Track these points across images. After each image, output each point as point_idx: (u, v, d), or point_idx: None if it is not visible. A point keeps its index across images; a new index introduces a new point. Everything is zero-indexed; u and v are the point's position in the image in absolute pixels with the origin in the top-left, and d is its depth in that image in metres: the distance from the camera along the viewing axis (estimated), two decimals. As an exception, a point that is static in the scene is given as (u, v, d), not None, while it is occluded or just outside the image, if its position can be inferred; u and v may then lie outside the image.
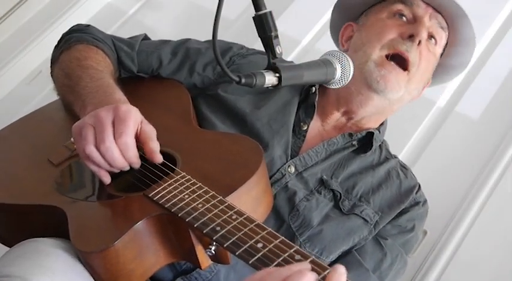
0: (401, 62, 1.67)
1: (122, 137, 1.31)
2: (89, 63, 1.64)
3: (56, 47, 1.80)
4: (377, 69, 1.66)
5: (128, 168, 1.36)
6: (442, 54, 1.81)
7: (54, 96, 1.75)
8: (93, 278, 1.26)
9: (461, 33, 1.77)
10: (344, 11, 1.90)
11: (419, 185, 1.77)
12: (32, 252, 1.27)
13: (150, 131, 1.37)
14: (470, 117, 2.25)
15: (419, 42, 1.67)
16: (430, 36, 1.72)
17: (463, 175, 2.11)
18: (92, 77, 1.57)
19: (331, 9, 1.91)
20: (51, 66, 1.78)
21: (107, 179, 1.37)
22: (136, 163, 1.36)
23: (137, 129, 1.35)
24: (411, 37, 1.67)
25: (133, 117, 1.34)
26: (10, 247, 1.36)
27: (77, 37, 1.74)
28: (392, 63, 1.66)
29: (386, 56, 1.67)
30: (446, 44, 1.79)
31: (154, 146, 1.36)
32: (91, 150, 1.31)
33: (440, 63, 1.82)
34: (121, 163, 1.33)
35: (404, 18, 1.73)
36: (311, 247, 1.56)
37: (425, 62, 1.71)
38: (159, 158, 1.37)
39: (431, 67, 1.76)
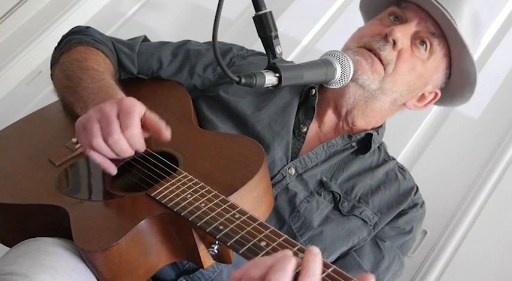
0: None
1: (129, 129, 1.31)
2: (90, 64, 1.64)
3: (55, 48, 1.80)
4: (353, 54, 1.64)
5: (133, 154, 1.36)
6: (451, 69, 1.76)
7: (54, 97, 1.75)
8: (96, 277, 1.27)
9: (456, 45, 1.70)
10: (367, 13, 1.89)
11: (417, 187, 1.77)
12: (33, 251, 1.27)
13: (155, 117, 1.37)
14: (470, 117, 2.25)
15: (394, 43, 1.64)
16: (421, 41, 1.68)
17: (463, 175, 2.11)
18: (92, 78, 1.57)
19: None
20: (51, 68, 1.77)
21: (113, 169, 1.37)
22: (143, 150, 1.36)
23: (141, 119, 1.35)
24: (386, 37, 1.65)
25: (138, 109, 1.34)
26: (10, 247, 1.35)
27: (77, 39, 1.74)
28: (369, 52, 1.64)
29: None
30: (450, 56, 1.74)
31: (162, 126, 1.36)
32: (98, 143, 1.31)
33: (452, 77, 1.78)
34: (128, 153, 1.34)
35: (398, 20, 1.71)
36: (312, 248, 1.57)
37: (406, 64, 1.66)
38: (167, 134, 1.36)
39: (419, 72, 1.70)
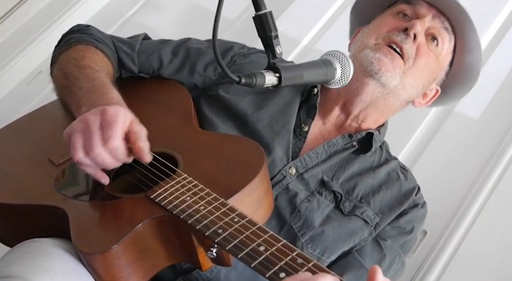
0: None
1: (110, 142, 1.30)
2: (86, 63, 1.63)
3: (56, 47, 1.80)
4: (372, 52, 1.66)
5: (119, 165, 1.36)
6: (451, 64, 1.80)
7: (54, 96, 1.74)
8: (94, 279, 1.26)
9: (466, 39, 1.75)
10: (359, 17, 1.91)
11: (419, 187, 1.77)
12: (32, 252, 1.27)
13: (140, 131, 1.35)
14: (470, 117, 2.25)
15: (415, 36, 1.66)
16: (433, 37, 1.72)
17: (463, 175, 2.11)
18: (87, 77, 1.57)
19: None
20: (50, 67, 1.77)
21: (105, 180, 1.37)
22: (128, 161, 1.35)
23: (127, 131, 1.34)
24: (406, 30, 1.67)
25: (121, 119, 1.32)
26: (11, 247, 1.35)
27: (77, 38, 1.73)
28: (388, 48, 1.66)
29: None
30: (454, 52, 1.78)
31: (142, 146, 1.34)
32: (80, 158, 1.30)
33: (451, 75, 1.82)
34: (113, 165, 1.34)
35: (407, 18, 1.74)
36: (313, 248, 1.57)
37: (424, 58, 1.69)
38: (147, 158, 1.35)
39: (432, 67, 1.74)
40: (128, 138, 1.34)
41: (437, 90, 1.82)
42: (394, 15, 1.76)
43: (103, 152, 1.30)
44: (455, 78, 1.82)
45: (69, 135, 1.33)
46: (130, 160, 1.36)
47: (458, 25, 1.73)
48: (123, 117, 1.33)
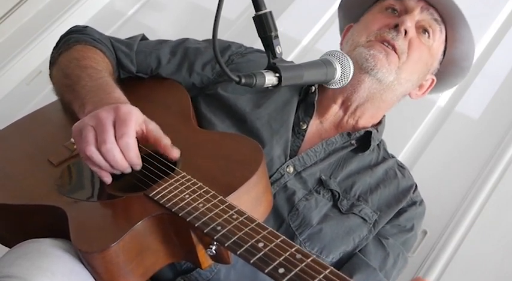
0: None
1: (123, 138, 1.30)
2: (88, 63, 1.63)
3: (54, 48, 1.80)
4: (366, 50, 1.66)
5: (129, 170, 1.36)
6: (445, 53, 1.81)
7: (54, 97, 1.74)
8: (94, 279, 1.26)
9: (457, 29, 1.76)
10: (347, 13, 1.92)
11: (416, 185, 1.77)
12: (32, 253, 1.27)
13: (156, 129, 1.36)
14: (470, 117, 2.25)
15: (406, 32, 1.67)
16: (424, 29, 1.73)
17: (463, 175, 2.11)
18: (91, 76, 1.57)
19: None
20: (49, 68, 1.77)
21: (108, 179, 1.36)
22: (138, 164, 1.35)
23: (142, 130, 1.35)
24: (397, 27, 1.68)
25: (135, 118, 1.33)
26: (9, 247, 1.35)
27: (76, 38, 1.74)
28: (382, 44, 1.67)
29: None
30: (446, 41, 1.79)
31: (167, 143, 1.36)
32: (92, 151, 1.30)
33: (445, 63, 1.83)
34: (123, 165, 1.33)
35: (396, 12, 1.74)
36: (311, 246, 1.57)
37: (417, 52, 1.70)
38: (176, 153, 1.37)
39: (426, 60, 1.75)
40: (146, 138, 1.35)
41: (432, 80, 1.84)
42: (383, 11, 1.76)
43: (115, 148, 1.30)
44: (449, 67, 1.84)
45: (79, 129, 1.33)
46: (139, 163, 1.35)
47: (448, 15, 1.74)
48: (136, 116, 1.34)
